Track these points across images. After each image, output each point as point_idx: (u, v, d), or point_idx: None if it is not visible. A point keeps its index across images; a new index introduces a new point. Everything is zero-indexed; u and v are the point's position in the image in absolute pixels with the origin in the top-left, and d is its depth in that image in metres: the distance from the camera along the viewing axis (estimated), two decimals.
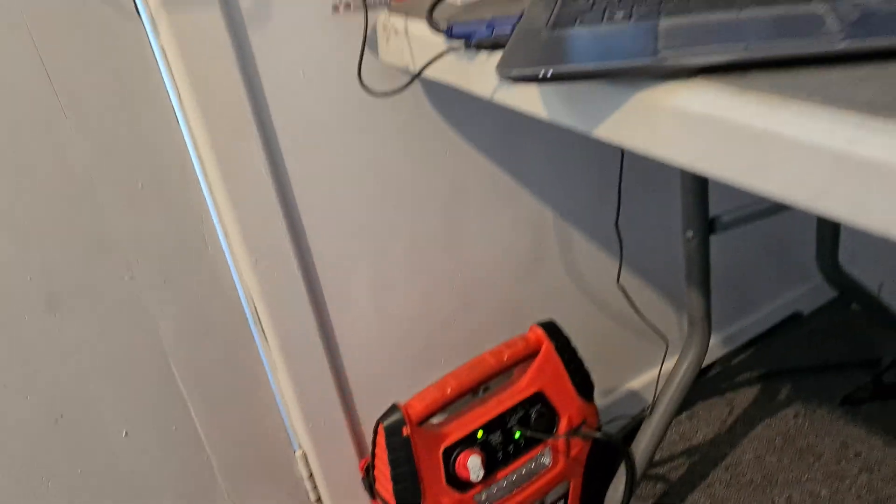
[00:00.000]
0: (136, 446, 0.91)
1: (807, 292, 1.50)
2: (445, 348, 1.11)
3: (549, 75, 0.48)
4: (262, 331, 0.96)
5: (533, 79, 0.49)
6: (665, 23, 0.52)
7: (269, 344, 0.96)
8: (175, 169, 0.84)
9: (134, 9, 0.77)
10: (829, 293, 1.47)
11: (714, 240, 1.30)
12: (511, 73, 0.49)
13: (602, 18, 0.56)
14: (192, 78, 0.79)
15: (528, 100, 0.59)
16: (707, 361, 1.44)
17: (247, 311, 0.95)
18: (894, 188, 0.37)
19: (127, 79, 0.78)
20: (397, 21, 0.78)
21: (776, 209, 0.94)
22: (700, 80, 0.47)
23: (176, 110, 0.82)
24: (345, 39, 0.86)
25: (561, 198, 1.12)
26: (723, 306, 1.42)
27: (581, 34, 0.54)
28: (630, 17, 0.55)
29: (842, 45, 0.44)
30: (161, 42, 0.78)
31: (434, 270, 1.06)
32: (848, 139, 0.39)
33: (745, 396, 1.40)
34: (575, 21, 0.56)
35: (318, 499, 1.08)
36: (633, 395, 1.34)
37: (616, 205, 1.15)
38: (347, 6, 0.84)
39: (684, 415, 1.38)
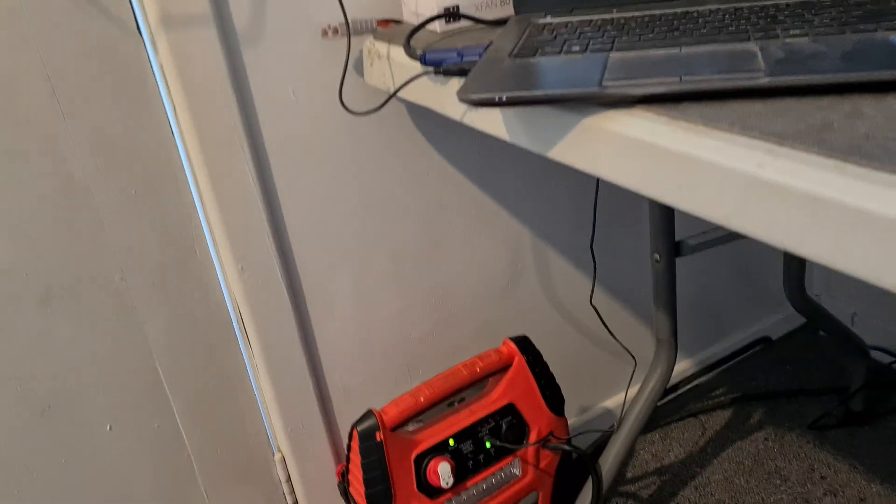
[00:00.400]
0: (119, 441, 0.95)
1: (777, 318, 1.55)
2: (423, 360, 1.15)
3: (503, 99, 0.53)
4: (246, 336, 1.00)
5: (489, 103, 0.53)
6: (614, 56, 0.57)
7: (252, 349, 1.00)
8: (168, 178, 0.89)
9: (135, 27, 0.82)
10: (798, 319, 1.52)
11: (686, 264, 1.35)
12: (469, 97, 0.54)
13: (560, 51, 0.61)
14: (188, 93, 0.84)
15: (493, 123, 0.64)
16: (681, 383, 1.48)
17: (232, 316, 1.00)
18: (797, 208, 0.42)
19: (126, 92, 0.83)
20: (381, 46, 0.84)
21: (738, 235, 0.98)
22: (639, 108, 0.52)
23: (171, 122, 0.87)
24: (333, 61, 0.91)
25: (538, 219, 1.17)
26: (695, 329, 1.46)
27: (539, 64, 0.59)
28: (585, 50, 0.60)
29: (765, 81, 0.49)
30: (159, 59, 0.83)
31: (414, 285, 1.10)
32: (758, 164, 0.43)
33: (717, 419, 1.44)
34: (536, 52, 0.61)
35: (296, 502, 1.12)
36: (605, 413, 1.38)
37: (591, 227, 1.19)
38: (335, 31, 0.89)
39: (657, 434, 1.42)
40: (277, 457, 1.10)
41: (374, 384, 1.11)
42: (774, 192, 0.42)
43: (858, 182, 0.39)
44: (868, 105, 0.46)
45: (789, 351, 1.54)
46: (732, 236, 1.00)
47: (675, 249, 1.00)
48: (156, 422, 0.97)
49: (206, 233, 0.94)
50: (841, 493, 1.25)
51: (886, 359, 1.48)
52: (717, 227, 1.01)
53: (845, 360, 1.49)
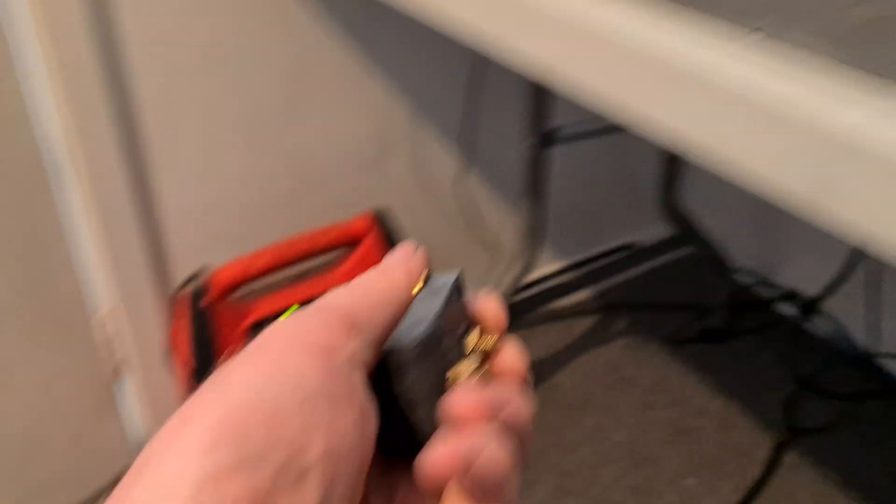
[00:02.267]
0: None
1: (648, 229, 1.53)
2: (276, 227, 1.06)
3: None
4: (69, 177, 0.89)
5: None
6: None
7: (77, 192, 0.90)
8: None
9: None
10: (667, 231, 1.49)
11: (563, 159, 1.29)
12: None
13: None
14: None
15: None
16: (542, 281, 1.44)
17: (49, 155, 0.88)
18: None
19: None
20: None
21: (616, 128, 0.93)
22: None
23: None
24: None
25: (414, 92, 1.08)
26: (564, 229, 1.42)
27: None
28: None
29: None
30: None
31: (272, 144, 1.00)
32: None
33: (577, 325, 1.42)
34: None
35: (118, 367, 1.04)
36: None
37: (469, 109, 1.12)
38: None
39: (519, 334, 1.40)
40: (102, 313, 1.00)
41: (219, 245, 1.02)
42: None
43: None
44: None
45: (655, 263, 1.54)
46: (610, 129, 0.95)
47: (549, 136, 0.94)
48: None
49: (25, 46, 0.81)
50: (685, 405, 1.26)
51: (748, 280, 1.50)
52: (596, 118, 0.96)
53: (709, 278, 1.50)
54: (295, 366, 0.24)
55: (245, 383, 0.24)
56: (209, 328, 0.88)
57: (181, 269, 1.02)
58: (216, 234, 1.02)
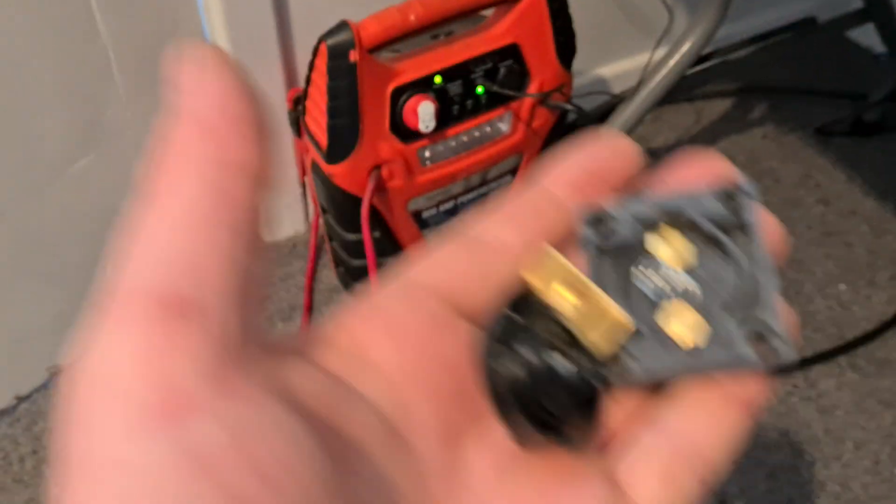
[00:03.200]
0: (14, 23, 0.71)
1: None
2: None
3: None
4: None
5: None
6: None
7: None
8: None
9: None
10: (847, 4, 1.29)
11: None
12: None
13: None
14: None
15: None
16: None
17: None
18: None
19: None
20: None
21: None
22: None
23: None
24: None
25: None
26: None
27: None
28: None
29: None
30: None
31: None
32: None
33: (715, 107, 1.28)
34: None
35: None
36: (619, 77, 1.19)
37: None
38: None
39: (647, 117, 1.26)
40: None
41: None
42: None
43: None
44: None
45: (815, 42, 1.35)
46: None
47: None
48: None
49: None
50: (833, 203, 1.15)
51: None
52: None
53: (876, 64, 1.32)
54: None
55: None
56: (352, 84, 0.76)
57: (303, 18, 0.88)
58: None
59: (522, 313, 0.21)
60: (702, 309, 0.21)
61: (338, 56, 0.75)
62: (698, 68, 1.14)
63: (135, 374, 0.15)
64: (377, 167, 0.82)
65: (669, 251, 0.21)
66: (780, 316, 0.20)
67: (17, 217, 0.79)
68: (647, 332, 0.21)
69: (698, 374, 0.21)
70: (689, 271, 0.21)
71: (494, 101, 0.85)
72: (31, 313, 0.84)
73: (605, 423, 0.22)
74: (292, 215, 1.02)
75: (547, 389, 0.20)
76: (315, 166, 0.86)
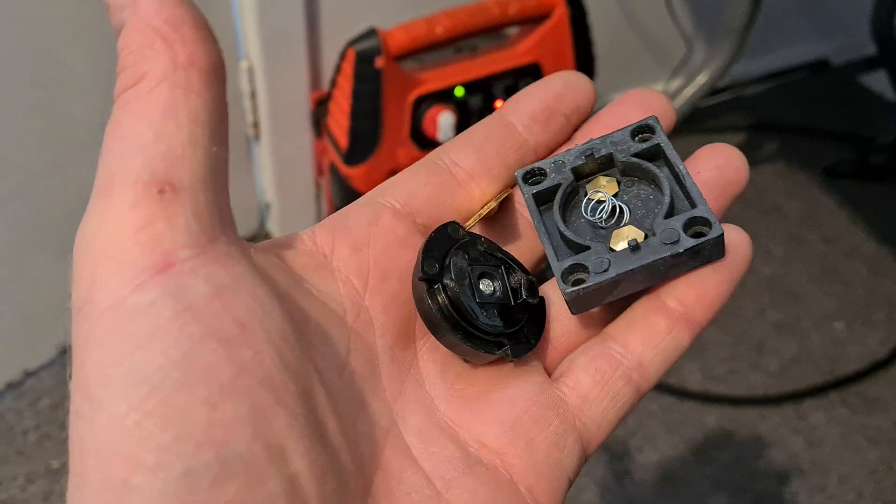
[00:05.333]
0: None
1: (839, 42, 1.35)
2: None
3: None
4: None
5: None
6: None
7: None
8: None
9: None
10: (861, 50, 1.32)
11: None
12: None
13: None
14: None
15: None
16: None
17: None
18: None
19: None
20: None
21: None
22: None
23: None
24: None
25: None
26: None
27: None
28: None
29: None
30: None
31: None
32: None
33: (726, 140, 1.27)
34: None
35: (256, 123, 0.96)
36: None
37: None
38: None
39: None
40: (244, 65, 0.91)
41: (378, 2, 0.90)
42: None
43: None
44: None
45: (827, 84, 1.38)
46: None
47: None
48: None
49: None
50: (834, 243, 1.17)
51: None
52: None
53: (884, 109, 1.35)
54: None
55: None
56: (376, 90, 0.79)
57: (332, 24, 0.91)
58: None
59: (455, 241, 0.24)
60: (638, 223, 0.24)
61: (364, 61, 0.77)
62: (712, 101, 1.17)
63: (132, 241, 0.18)
64: (394, 172, 0.84)
65: (597, 186, 0.25)
66: (710, 209, 0.24)
67: (39, 194, 0.81)
68: (596, 248, 0.24)
69: (643, 276, 0.24)
70: (617, 197, 0.25)
71: None
72: (45, 289, 0.86)
73: (552, 340, 0.24)
74: (306, 215, 1.04)
75: (475, 310, 0.23)
76: (333, 168, 0.88)
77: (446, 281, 0.23)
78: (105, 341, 0.18)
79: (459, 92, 0.84)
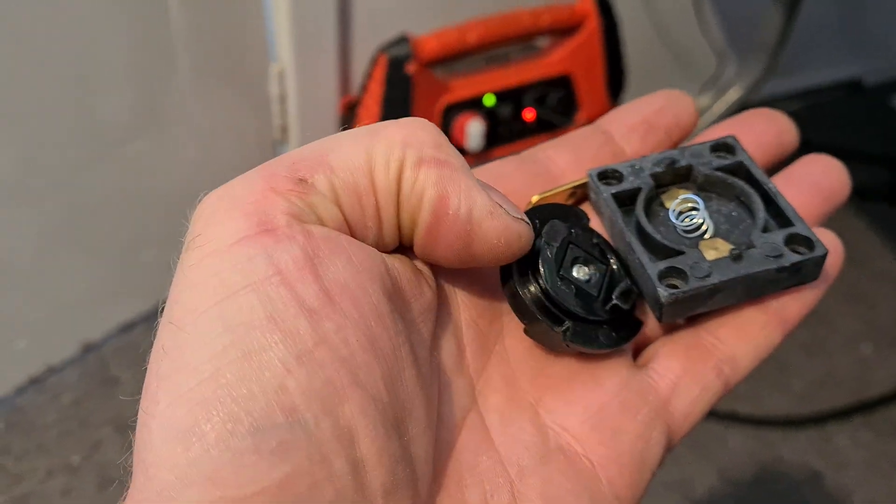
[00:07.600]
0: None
1: (874, 62, 1.33)
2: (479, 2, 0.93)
3: None
4: None
5: None
6: None
7: None
8: None
9: None
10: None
11: None
12: None
13: None
14: None
15: None
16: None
17: None
18: None
19: None
20: None
21: None
22: None
23: None
24: None
25: None
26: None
27: None
28: None
29: None
30: None
31: None
32: None
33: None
34: None
35: (284, 127, 0.96)
36: None
37: None
38: None
39: None
40: (275, 68, 0.91)
41: (410, 9, 0.90)
42: None
43: None
44: None
45: (859, 105, 1.37)
46: None
47: None
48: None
49: None
50: (864, 265, 1.16)
51: None
52: None
53: None
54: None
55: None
56: (406, 96, 0.79)
57: (363, 30, 0.91)
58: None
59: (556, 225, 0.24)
60: (724, 237, 0.24)
61: (396, 67, 0.77)
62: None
63: (250, 201, 0.20)
64: None
65: (676, 196, 0.24)
66: (809, 228, 0.23)
67: (69, 190, 0.82)
68: (692, 254, 0.23)
69: (742, 287, 0.23)
70: (700, 211, 0.25)
71: (542, 127, 0.87)
72: (70, 286, 0.87)
73: (644, 334, 0.24)
74: None
75: (568, 301, 0.22)
76: None
77: (543, 268, 0.23)
78: (201, 283, 0.19)
79: (489, 100, 0.83)
